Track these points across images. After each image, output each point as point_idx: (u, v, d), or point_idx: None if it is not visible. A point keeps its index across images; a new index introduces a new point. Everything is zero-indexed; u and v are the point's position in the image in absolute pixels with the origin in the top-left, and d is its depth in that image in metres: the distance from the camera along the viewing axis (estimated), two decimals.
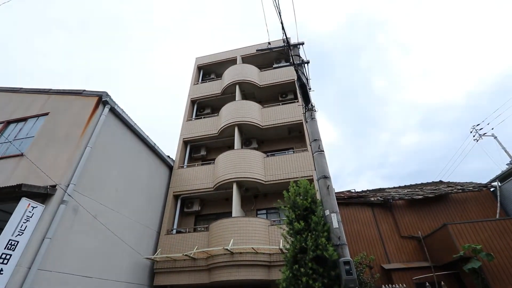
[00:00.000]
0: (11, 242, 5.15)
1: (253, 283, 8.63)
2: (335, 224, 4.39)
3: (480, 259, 7.93)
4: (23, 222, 5.44)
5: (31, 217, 5.61)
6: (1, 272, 4.93)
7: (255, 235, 8.06)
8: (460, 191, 11.79)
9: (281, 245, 7.52)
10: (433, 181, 13.79)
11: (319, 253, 3.92)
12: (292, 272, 3.94)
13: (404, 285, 8.87)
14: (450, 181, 13.93)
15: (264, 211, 10.41)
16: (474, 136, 17.83)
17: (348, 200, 12.48)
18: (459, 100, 77.41)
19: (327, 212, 4.53)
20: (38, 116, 8.16)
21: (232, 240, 7.66)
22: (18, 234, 5.34)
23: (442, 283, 8.94)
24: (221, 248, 7.35)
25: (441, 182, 13.54)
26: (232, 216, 8.73)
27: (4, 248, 5.04)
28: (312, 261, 3.92)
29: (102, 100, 7.76)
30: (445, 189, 12.12)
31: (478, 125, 17.62)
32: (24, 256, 5.21)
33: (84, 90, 8.21)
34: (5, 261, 4.99)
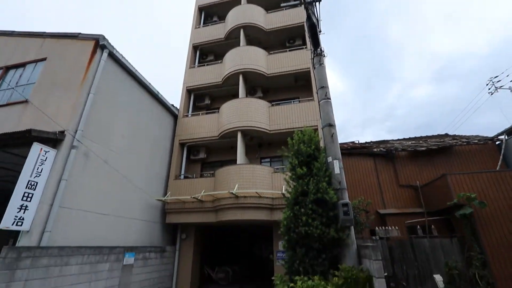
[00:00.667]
0: (31, 183, 5.50)
1: (256, 223, 9.39)
2: (336, 170, 4.51)
3: (472, 207, 8.33)
4: (39, 165, 5.73)
5: (45, 160, 5.88)
6: (27, 208, 5.39)
7: (259, 181, 8.44)
8: (465, 143, 11.77)
9: (283, 190, 7.93)
10: (438, 134, 13.68)
11: (319, 196, 4.13)
12: (293, 212, 4.21)
13: (397, 228, 9.56)
14: (457, 134, 13.81)
15: (268, 160, 10.72)
16: (489, 88, 16.98)
17: (351, 151, 12.66)
18: (482, 48, 71.80)
19: (329, 159, 4.61)
20: (36, 61, 7.92)
21: (237, 185, 8.08)
22: (36, 176, 5.67)
23: (432, 226, 9.60)
24: (226, 192, 7.80)
25: (446, 135, 13.44)
26: (237, 163, 9.03)
27: (25, 188, 5.41)
28: (312, 203, 4.15)
29: (99, 44, 7.39)
30: (450, 141, 12.09)
31: (496, 77, 16.60)
32: (45, 195, 5.62)
33: (80, 33, 7.77)
34: (28, 199, 5.41)
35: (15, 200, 5.17)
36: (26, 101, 7.12)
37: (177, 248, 9.73)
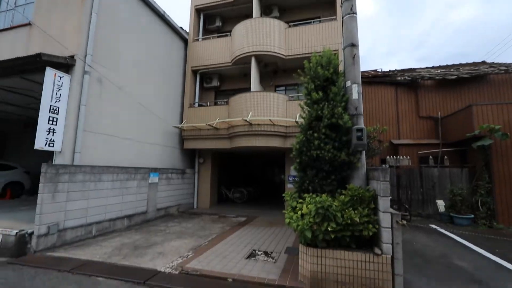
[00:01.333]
0: (53, 108, 5.71)
1: (269, 150, 9.76)
2: (354, 95, 4.29)
3: (493, 138, 8.09)
4: (56, 91, 5.83)
5: (61, 86, 5.94)
6: (55, 131, 5.76)
7: (273, 109, 8.36)
8: (503, 72, 10.63)
9: (297, 118, 7.89)
10: (473, 62, 12.29)
11: (333, 121, 4.05)
12: (306, 136, 4.24)
13: (408, 157, 9.67)
14: (495, 61, 12.33)
15: (283, 88, 10.36)
16: None
17: (372, 79, 11.89)
18: None
19: (348, 83, 4.34)
20: None
21: (250, 112, 8.07)
22: (56, 101, 5.84)
23: (446, 157, 9.63)
24: (240, 118, 7.87)
25: (483, 62, 12.04)
26: (251, 91, 8.82)
27: (49, 112, 5.66)
28: (326, 128, 4.11)
29: None
30: (486, 69, 10.92)
31: None
32: (69, 120, 5.90)
33: None
34: (54, 123, 5.72)
35: (42, 123, 5.48)
36: (29, 24, 6.79)
37: (196, 170, 10.57)
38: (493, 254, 5.25)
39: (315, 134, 4.15)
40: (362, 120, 4.24)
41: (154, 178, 8.14)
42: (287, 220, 3.75)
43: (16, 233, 4.82)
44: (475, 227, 7.70)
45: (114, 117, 7.10)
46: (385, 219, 3.35)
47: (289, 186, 9.53)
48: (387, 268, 3.26)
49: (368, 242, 3.59)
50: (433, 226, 7.82)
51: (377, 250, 3.33)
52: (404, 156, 9.87)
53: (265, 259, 4.55)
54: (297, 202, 4.08)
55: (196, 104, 10.33)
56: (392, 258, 3.31)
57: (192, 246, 5.25)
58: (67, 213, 5.44)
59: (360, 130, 3.99)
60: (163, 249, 5.08)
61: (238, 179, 14.95)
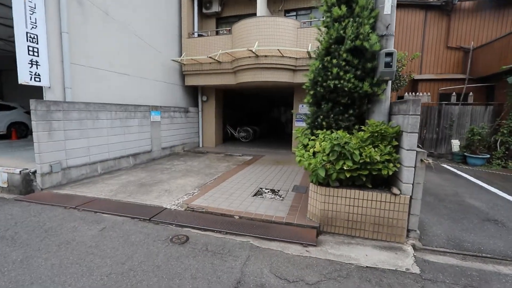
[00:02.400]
0: (30, 35, 4.97)
1: (277, 86, 9.05)
2: (387, 9, 3.43)
3: None
4: (30, 14, 4.98)
5: (34, 8, 5.06)
6: (38, 63, 5.14)
7: (282, 38, 7.34)
8: None
9: (309, 48, 6.95)
10: None
11: (358, 44, 3.32)
12: (322, 63, 3.57)
13: (429, 94, 8.88)
14: None
15: (294, 13, 8.98)
16: None
17: (399, 0, 10.14)
18: None
19: None
20: None
21: (256, 42, 7.11)
22: (33, 27, 5.06)
23: (471, 93, 8.79)
24: (245, 49, 6.98)
25: None
26: (257, 15, 7.62)
27: (27, 41, 4.95)
28: (347, 52, 3.41)
29: None
30: None
31: None
32: (52, 51, 5.20)
33: None
34: (35, 54, 5.06)
35: (21, 54, 4.83)
36: None
37: (200, 109, 10.12)
38: (509, 194, 5.04)
39: (334, 61, 3.47)
40: (393, 42, 3.49)
41: (155, 117, 7.78)
42: (297, 158, 3.42)
43: (20, 171, 4.74)
44: (488, 167, 7.44)
45: (106, 49, 6.34)
46: (408, 157, 2.97)
47: (297, 124, 9.14)
48: (404, 208, 3.04)
49: (384, 181, 3.30)
50: (445, 165, 7.59)
51: (395, 190, 3.05)
52: (424, 93, 9.06)
53: (272, 197, 4.45)
54: (309, 139, 3.69)
55: (195, 34, 9.20)
56: (410, 198, 3.05)
57: (198, 184, 5.18)
58: (68, 152, 5.27)
59: (389, 54, 3.28)
60: (169, 186, 5.02)
61: (244, 118, 14.58)
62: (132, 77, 7.15)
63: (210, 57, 7.87)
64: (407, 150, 2.97)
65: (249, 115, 15.59)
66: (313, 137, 3.65)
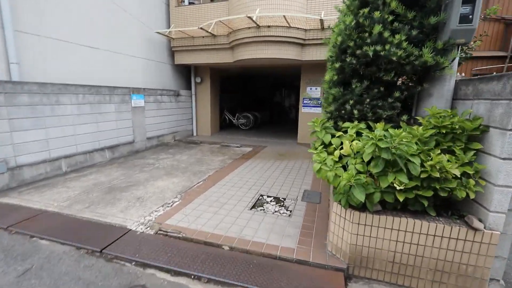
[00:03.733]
0: None
1: (281, 65, 7.74)
2: None
3: None
4: None
5: None
6: None
7: (288, 4, 5.95)
8: None
9: (322, 15, 5.58)
10: None
11: None
12: (356, 20, 2.32)
13: (463, 74, 7.53)
14: None
15: None
16: None
17: None
18: None
19: None
20: None
21: (258, 8, 5.75)
22: None
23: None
24: (244, 15, 5.61)
25: None
26: None
27: None
28: (397, 0, 2.16)
29: None
30: None
31: None
32: None
33: None
34: None
35: None
36: None
37: (193, 92, 8.86)
38: None
39: (376, 14, 2.22)
40: None
41: (138, 101, 6.58)
42: (316, 166, 2.26)
43: None
44: None
45: (71, 16, 5.05)
46: (505, 171, 1.80)
47: (304, 110, 7.90)
48: (489, 250, 1.91)
49: (446, 203, 2.16)
50: None
51: (476, 223, 1.90)
52: (458, 73, 7.69)
53: (277, 209, 3.34)
54: (332, 136, 2.52)
55: (186, 2, 7.76)
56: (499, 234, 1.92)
57: (182, 188, 4.08)
58: (17, 147, 4.14)
59: (469, 0, 2.03)
60: (144, 192, 3.93)
61: (244, 102, 13.31)
62: (107, 52, 5.89)
63: (202, 28, 6.50)
64: (503, 159, 1.79)
65: (250, 100, 14.28)
66: (338, 133, 2.46)
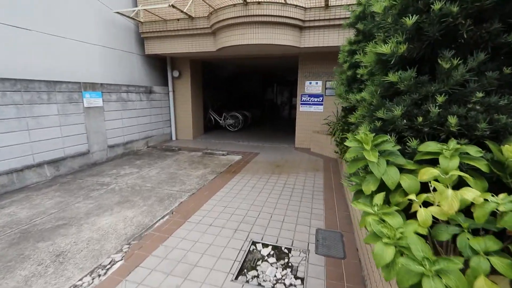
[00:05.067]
0: None
1: (274, 56, 6.45)
2: None
3: None
4: None
5: None
6: None
7: None
8: None
9: None
10: None
11: None
12: None
13: None
14: None
15: None
16: None
17: None
18: None
19: None
20: None
21: None
22: None
23: None
24: None
25: None
26: None
27: None
28: None
29: None
30: None
31: None
32: None
33: None
34: None
35: None
36: None
37: (170, 89, 7.44)
38: None
39: None
40: None
41: (94, 100, 5.14)
42: (380, 254, 0.97)
43: None
44: None
45: None
46: None
47: (302, 109, 6.65)
48: None
49: None
50: None
51: None
52: None
53: (279, 277, 2.06)
54: (399, 170, 1.22)
55: None
56: None
57: (135, 230, 2.74)
58: None
59: None
60: (74, 239, 2.57)
61: (232, 100, 11.95)
62: (44, 35, 4.42)
63: (173, 6, 5.07)
64: None
65: (239, 97, 12.92)
66: (414, 166, 1.19)
